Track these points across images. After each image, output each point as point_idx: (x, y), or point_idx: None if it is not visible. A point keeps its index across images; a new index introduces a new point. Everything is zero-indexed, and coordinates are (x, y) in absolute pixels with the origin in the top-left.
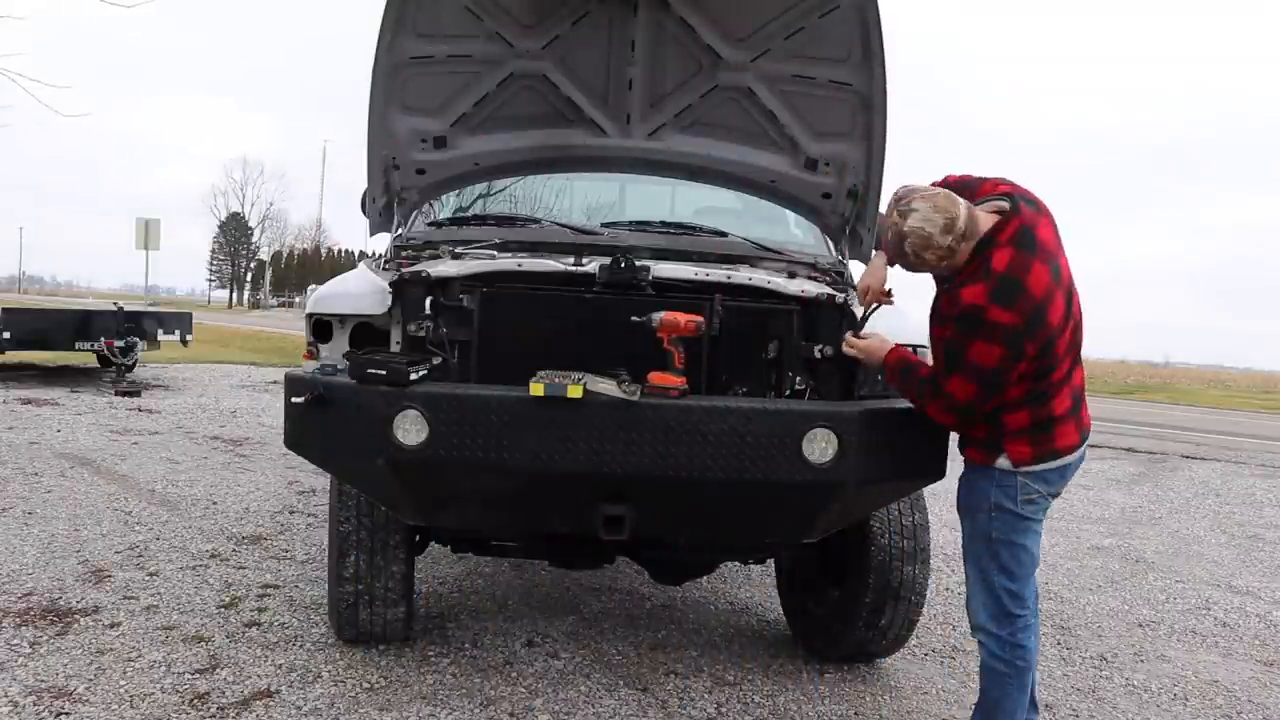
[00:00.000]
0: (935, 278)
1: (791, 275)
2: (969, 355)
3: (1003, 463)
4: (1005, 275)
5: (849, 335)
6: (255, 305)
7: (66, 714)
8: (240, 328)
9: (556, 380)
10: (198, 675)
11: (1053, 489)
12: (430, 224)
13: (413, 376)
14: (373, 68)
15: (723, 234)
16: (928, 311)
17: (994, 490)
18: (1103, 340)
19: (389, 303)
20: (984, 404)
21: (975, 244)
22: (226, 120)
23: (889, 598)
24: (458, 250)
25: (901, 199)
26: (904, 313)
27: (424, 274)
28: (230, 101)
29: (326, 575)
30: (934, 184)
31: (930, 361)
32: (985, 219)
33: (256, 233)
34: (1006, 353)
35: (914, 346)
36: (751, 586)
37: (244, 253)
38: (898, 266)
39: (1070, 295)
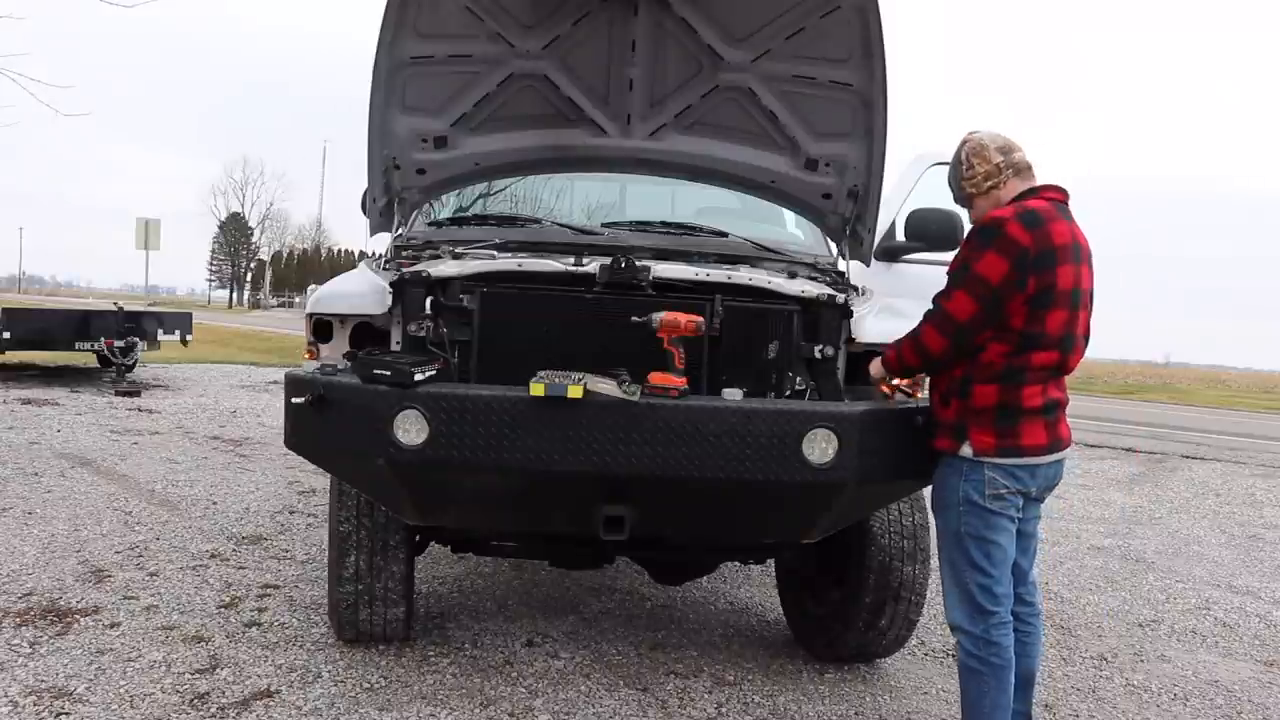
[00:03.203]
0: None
1: (792, 275)
2: (977, 266)
3: (966, 450)
4: (1034, 210)
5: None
6: (255, 305)
7: (66, 714)
8: (240, 328)
9: (557, 380)
10: (198, 675)
11: (1022, 487)
12: (430, 224)
13: (418, 377)
14: (373, 68)
15: (723, 234)
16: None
17: (961, 484)
18: (1103, 340)
19: (389, 303)
20: (977, 330)
21: (1017, 195)
22: (226, 121)
23: (889, 598)
24: (458, 250)
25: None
26: (897, 311)
27: (424, 274)
28: (228, 105)
29: (326, 575)
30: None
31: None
32: (1034, 185)
33: (256, 233)
34: (1011, 272)
35: None
36: (751, 586)
37: (244, 253)
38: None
39: (1079, 297)
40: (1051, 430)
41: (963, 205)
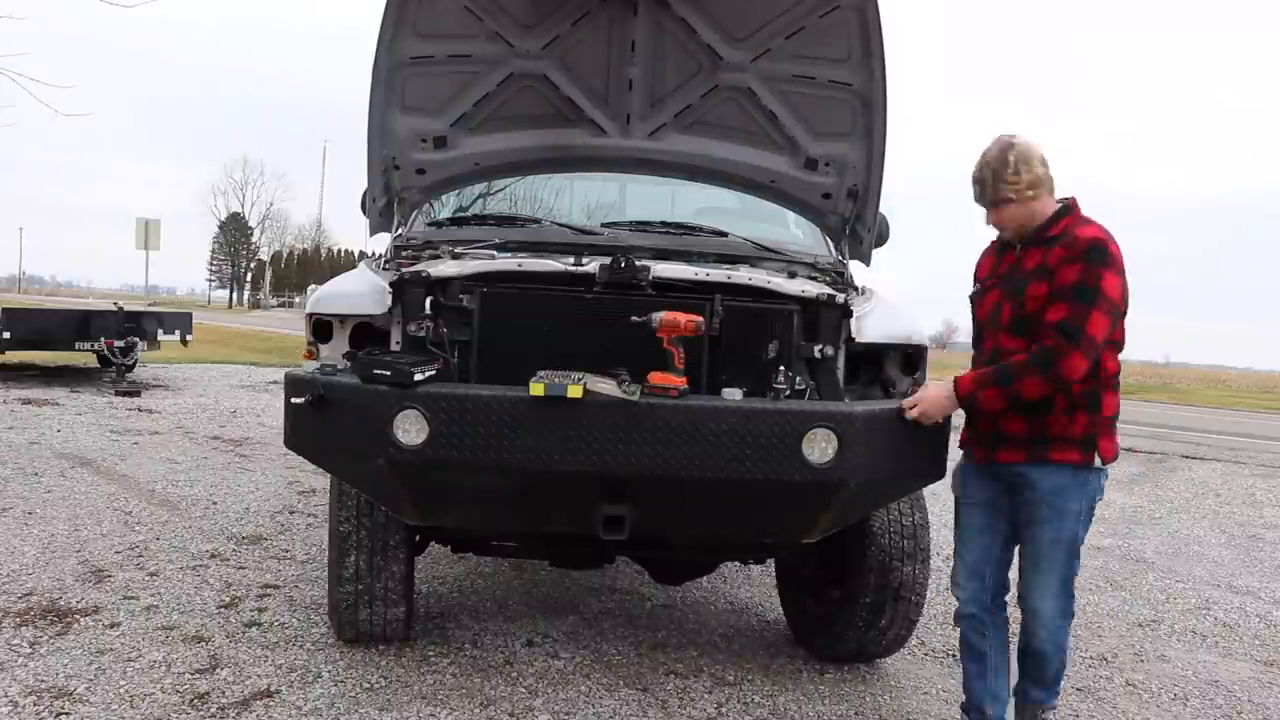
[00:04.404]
0: (998, 238)
1: (791, 275)
2: (1104, 287)
3: (1098, 460)
4: (1104, 227)
5: (905, 405)
6: (255, 305)
7: (66, 714)
8: (240, 328)
9: (557, 380)
10: (198, 675)
11: None
12: (430, 224)
13: (418, 377)
14: (373, 68)
15: (723, 234)
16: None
17: (1087, 491)
18: None
19: (389, 303)
20: (1102, 347)
21: (1056, 211)
22: (226, 120)
23: (889, 598)
24: (458, 250)
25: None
26: (897, 311)
27: (424, 274)
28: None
29: (326, 575)
30: None
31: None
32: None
33: (256, 233)
34: (1124, 287)
35: (913, 346)
36: (751, 586)
37: (244, 253)
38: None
39: None
40: None
41: (988, 205)
